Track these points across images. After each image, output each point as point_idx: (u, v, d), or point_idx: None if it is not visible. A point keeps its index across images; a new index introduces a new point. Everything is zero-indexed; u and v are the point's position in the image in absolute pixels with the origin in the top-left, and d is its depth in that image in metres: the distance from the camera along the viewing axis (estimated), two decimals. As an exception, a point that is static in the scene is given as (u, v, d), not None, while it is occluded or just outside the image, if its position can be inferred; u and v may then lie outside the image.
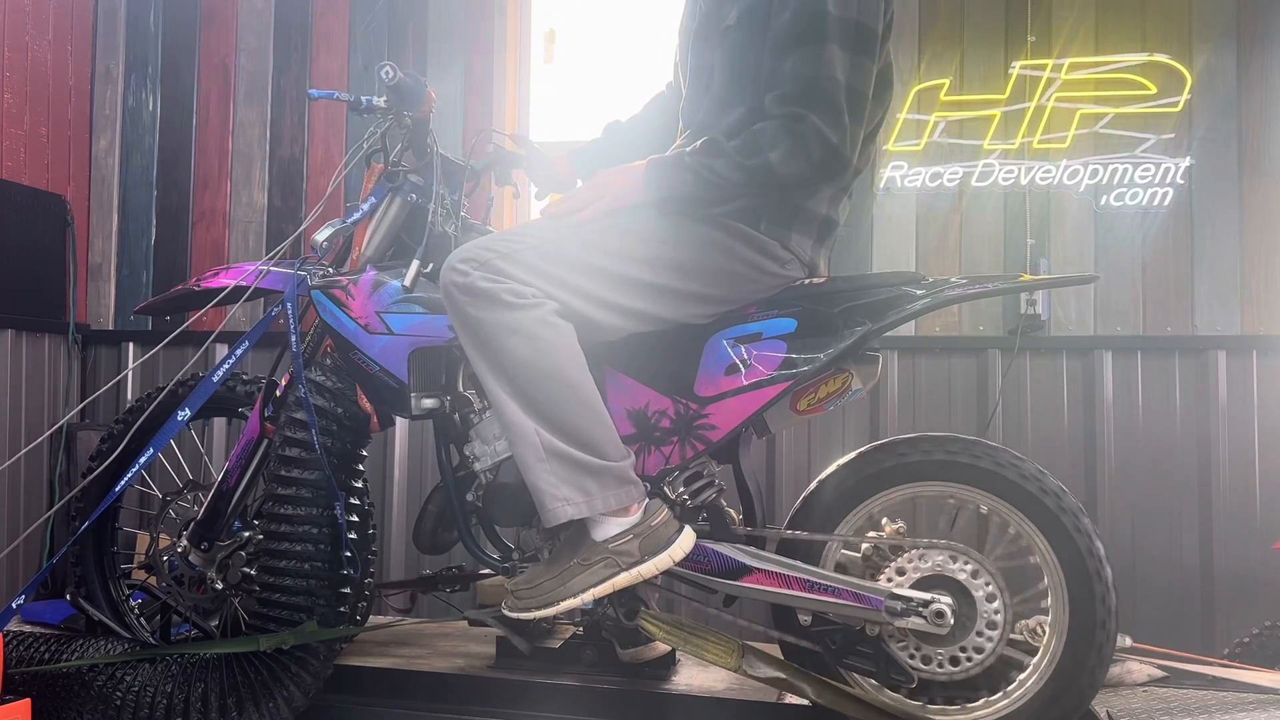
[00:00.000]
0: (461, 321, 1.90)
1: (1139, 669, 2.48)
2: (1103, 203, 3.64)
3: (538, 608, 1.91)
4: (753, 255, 1.96)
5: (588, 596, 1.88)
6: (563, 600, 1.89)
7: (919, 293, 1.96)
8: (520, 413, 1.87)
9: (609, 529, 1.88)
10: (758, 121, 1.89)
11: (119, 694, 2.14)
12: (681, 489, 2.07)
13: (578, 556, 1.90)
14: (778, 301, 2.00)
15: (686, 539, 1.92)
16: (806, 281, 2.03)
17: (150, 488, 2.59)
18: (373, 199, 2.24)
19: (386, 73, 1.93)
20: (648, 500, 1.93)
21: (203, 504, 2.38)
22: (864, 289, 1.98)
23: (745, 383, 1.96)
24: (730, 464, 2.13)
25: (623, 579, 1.87)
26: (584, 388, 1.88)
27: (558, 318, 1.87)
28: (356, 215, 2.22)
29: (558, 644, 2.51)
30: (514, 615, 1.94)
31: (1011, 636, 1.99)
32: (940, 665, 1.98)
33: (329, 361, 2.24)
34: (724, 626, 2.12)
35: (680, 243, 1.93)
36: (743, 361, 1.96)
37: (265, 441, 2.34)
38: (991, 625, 1.95)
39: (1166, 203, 3.60)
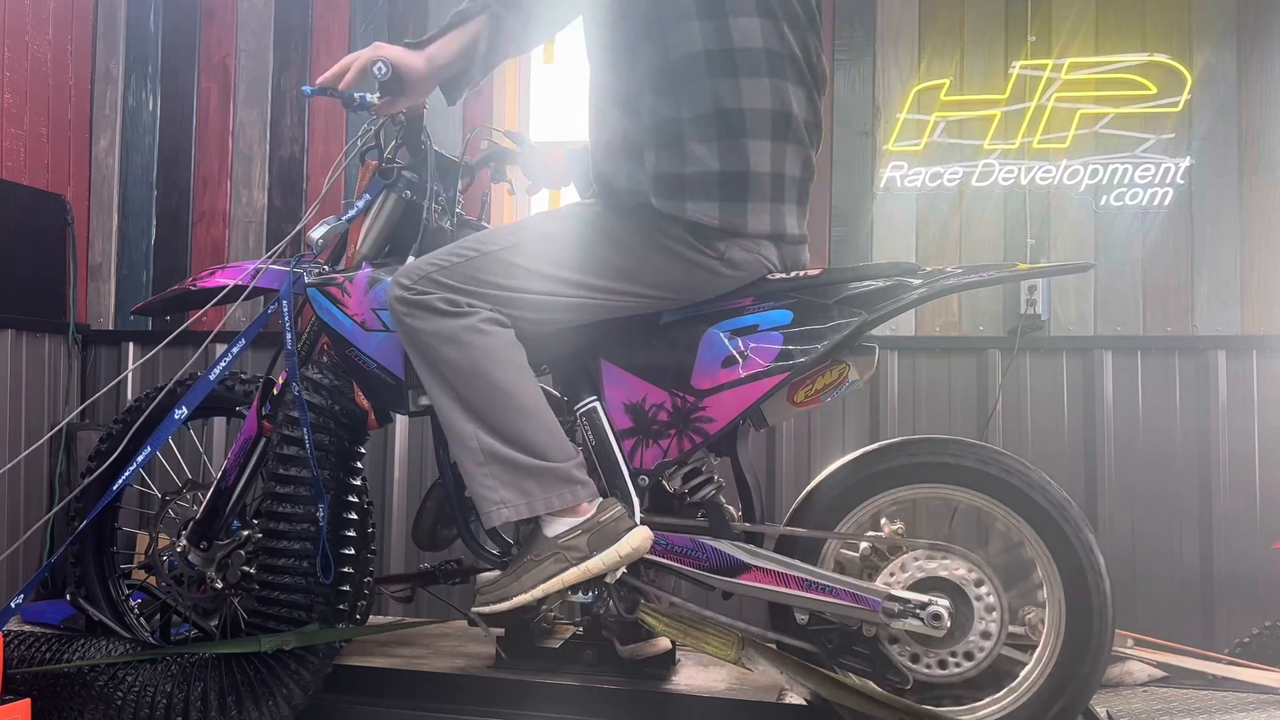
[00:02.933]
0: (404, 333, 1.96)
1: (1139, 669, 2.47)
2: (1103, 203, 3.64)
3: (494, 602, 1.94)
4: (684, 240, 1.93)
5: (538, 592, 1.91)
6: (516, 595, 1.92)
7: (915, 283, 1.96)
8: (461, 418, 1.91)
9: (558, 526, 1.91)
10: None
11: (119, 694, 2.14)
12: (680, 484, 2.07)
13: (531, 553, 1.93)
14: (773, 293, 1.99)
15: (637, 537, 1.92)
16: (800, 273, 2.02)
17: (150, 487, 2.59)
18: (367, 196, 2.24)
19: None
20: (601, 499, 1.94)
21: (202, 503, 2.38)
22: (860, 279, 1.98)
23: (742, 375, 1.96)
24: (729, 457, 2.13)
25: (571, 574, 1.89)
26: (519, 392, 1.91)
27: (491, 325, 1.91)
28: (351, 212, 2.22)
29: (558, 644, 2.51)
30: (476, 610, 1.98)
31: (1012, 629, 1.99)
32: (935, 666, 1.98)
33: (326, 359, 2.24)
34: (723, 622, 2.11)
35: (615, 246, 1.95)
36: (739, 354, 1.96)
37: (263, 440, 2.35)
38: (987, 629, 1.95)
39: (1166, 202, 3.59)
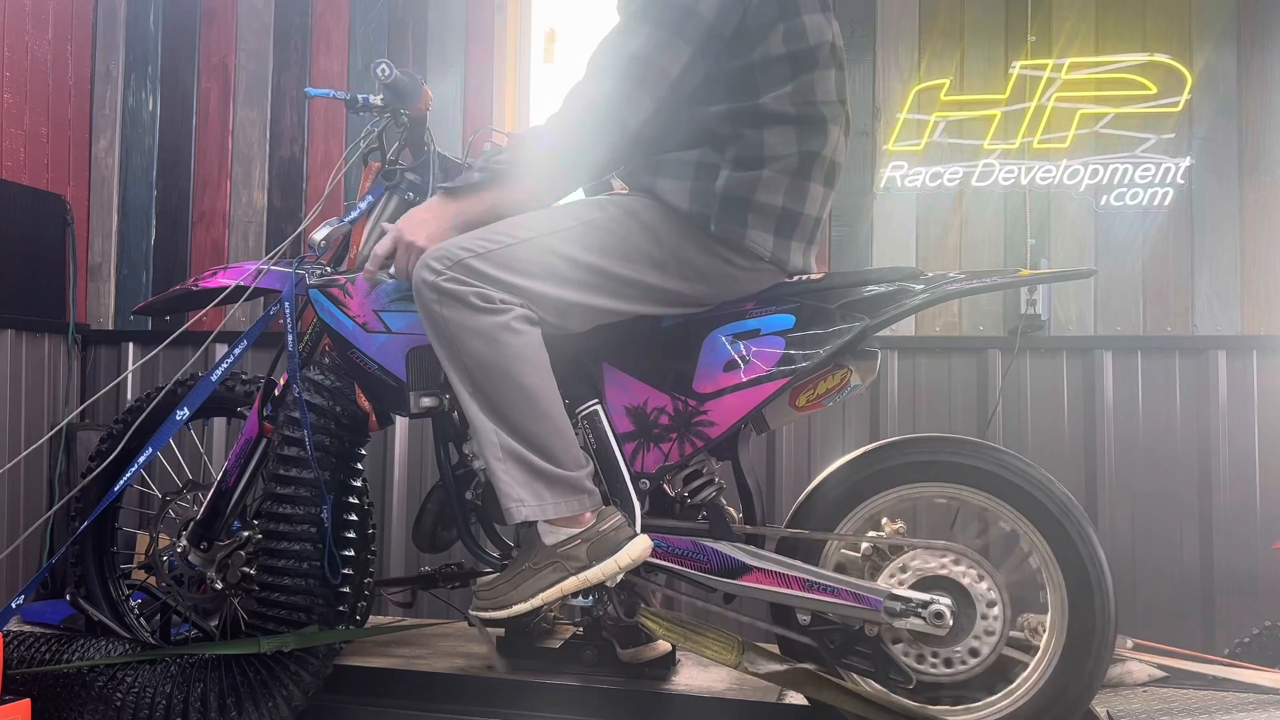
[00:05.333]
0: (428, 318, 1.91)
1: (1139, 669, 2.47)
2: (1103, 203, 3.64)
3: (492, 609, 1.94)
4: (723, 251, 1.95)
5: (536, 601, 1.90)
6: (514, 604, 1.91)
7: (918, 288, 1.95)
8: (480, 414, 1.89)
9: (558, 534, 1.90)
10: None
11: (119, 694, 2.14)
12: (680, 487, 2.07)
13: (530, 560, 1.92)
14: (776, 297, 2.00)
15: (637, 547, 1.91)
16: (804, 278, 2.02)
17: (150, 488, 2.59)
18: (370, 197, 2.24)
19: (383, 70, 1.94)
20: (602, 507, 1.93)
21: (202, 504, 2.38)
22: (862, 284, 1.98)
23: (744, 379, 1.96)
24: (730, 461, 2.12)
25: (570, 584, 1.89)
26: (542, 395, 1.88)
27: (524, 324, 1.88)
28: (354, 214, 2.22)
29: (558, 644, 2.51)
30: (474, 614, 1.97)
31: (1012, 634, 1.99)
32: (939, 665, 1.98)
33: (327, 360, 2.24)
34: (724, 623, 2.12)
35: (656, 239, 1.94)
36: (741, 358, 1.96)
37: (264, 441, 2.35)
38: (989, 629, 1.95)
39: (1166, 203, 3.59)
